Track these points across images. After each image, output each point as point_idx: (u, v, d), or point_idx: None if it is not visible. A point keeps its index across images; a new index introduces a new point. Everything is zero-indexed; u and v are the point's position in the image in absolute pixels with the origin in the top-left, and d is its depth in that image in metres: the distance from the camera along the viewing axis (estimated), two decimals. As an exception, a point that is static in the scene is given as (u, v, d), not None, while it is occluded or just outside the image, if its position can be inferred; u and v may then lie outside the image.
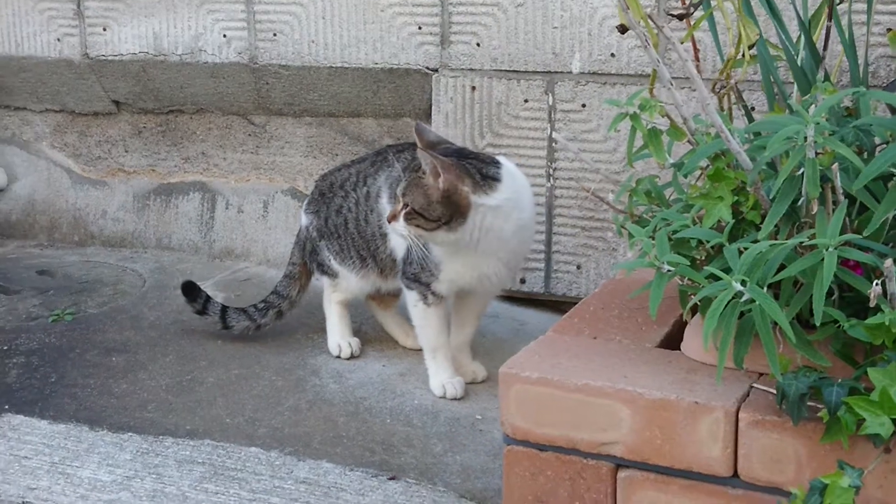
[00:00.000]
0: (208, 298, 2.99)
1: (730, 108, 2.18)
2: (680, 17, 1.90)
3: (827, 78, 2.20)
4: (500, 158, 2.57)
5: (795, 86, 2.24)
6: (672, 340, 2.10)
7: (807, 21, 2.26)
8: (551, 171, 3.08)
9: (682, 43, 1.86)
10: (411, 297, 2.65)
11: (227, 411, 2.61)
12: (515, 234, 2.52)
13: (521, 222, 2.53)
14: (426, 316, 2.63)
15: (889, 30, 2.46)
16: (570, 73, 3.01)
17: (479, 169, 2.46)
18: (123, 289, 3.46)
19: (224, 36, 3.48)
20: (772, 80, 2.27)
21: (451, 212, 2.41)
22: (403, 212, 2.44)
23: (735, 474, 1.80)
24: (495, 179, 2.47)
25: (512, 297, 3.19)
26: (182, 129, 3.77)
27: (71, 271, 3.64)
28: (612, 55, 2.95)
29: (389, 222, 2.49)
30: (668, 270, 1.83)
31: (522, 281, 3.17)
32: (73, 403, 2.65)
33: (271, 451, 2.41)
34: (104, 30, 3.65)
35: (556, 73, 3.03)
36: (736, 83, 2.13)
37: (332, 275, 2.89)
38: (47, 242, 4.01)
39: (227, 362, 2.88)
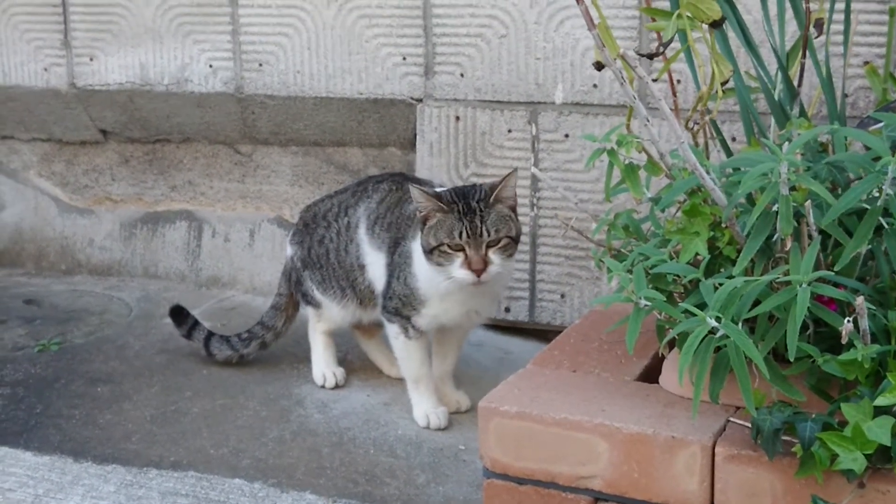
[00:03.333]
0: (195, 324, 3.06)
1: (706, 143, 2.20)
2: (650, 56, 1.92)
3: (803, 112, 2.23)
4: None
5: (773, 119, 2.27)
6: (651, 373, 2.12)
7: (784, 56, 2.28)
8: (535, 200, 3.10)
9: (654, 80, 1.88)
10: (392, 330, 2.66)
11: (212, 442, 2.61)
12: None
13: None
14: (407, 349, 2.65)
15: (866, 63, 2.49)
16: (553, 103, 3.04)
17: None
18: (110, 318, 3.47)
19: (210, 66, 3.50)
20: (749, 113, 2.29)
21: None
22: (503, 243, 2.42)
23: (712, 508, 1.82)
24: None
25: (497, 326, 3.20)
26: (169, 157, 3.79)
27: (57, 300, 3.65)
28: (595, 86, 2.98)
29: (479, 276, 2.40)
30: (646, 305, 1.85)
31: (507, 310, 3.18)
32: (58, 434, 2.65)
33: (255, 482, 2.42)
34: (91, 59, 3.67)
35: (540, 103, 3.05)
36: (710, 118, 2.15)
37: (316, 305, 2.91)
38: (35, 271, 4.01)
39: (212, 392, 2.88)
